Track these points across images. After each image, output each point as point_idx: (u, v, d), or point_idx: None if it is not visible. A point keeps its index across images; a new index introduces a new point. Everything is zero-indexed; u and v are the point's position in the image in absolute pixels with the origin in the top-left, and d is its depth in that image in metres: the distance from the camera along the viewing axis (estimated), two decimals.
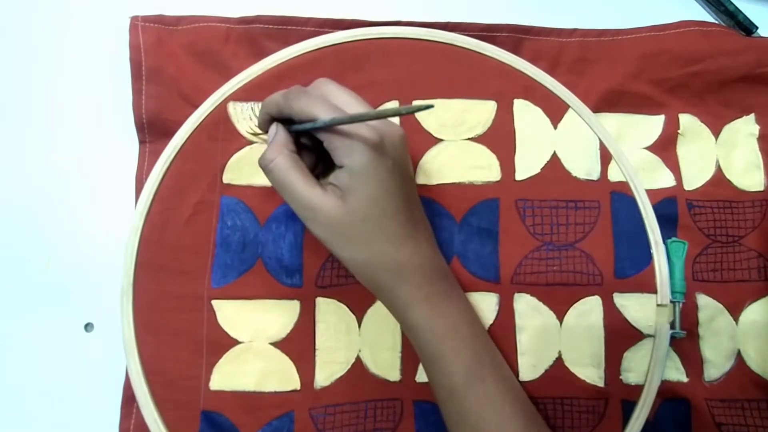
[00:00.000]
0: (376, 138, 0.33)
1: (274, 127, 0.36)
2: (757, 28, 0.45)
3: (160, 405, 0.39)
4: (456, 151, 0.42)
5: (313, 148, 0.36)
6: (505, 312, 0.41)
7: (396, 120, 0.42)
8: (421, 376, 0.40)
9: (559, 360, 0.40)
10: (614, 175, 0.42)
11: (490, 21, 0.43)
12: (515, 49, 0.44)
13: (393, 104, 0.42)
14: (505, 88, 0.43)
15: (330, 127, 0.33)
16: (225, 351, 0.40)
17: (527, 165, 0.42)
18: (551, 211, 0.42)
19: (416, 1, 0.45)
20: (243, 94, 0.42)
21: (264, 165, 0.34)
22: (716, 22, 0.46)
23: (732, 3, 0.45)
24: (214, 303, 0.40)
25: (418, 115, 0.42)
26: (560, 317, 0.41)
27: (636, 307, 0.41)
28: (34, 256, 0.42)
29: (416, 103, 0.42)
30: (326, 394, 0.40)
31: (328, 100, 0.34)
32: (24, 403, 0.41)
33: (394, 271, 0.35)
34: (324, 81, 0.36)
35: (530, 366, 0.40)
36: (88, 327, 0.42)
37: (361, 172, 0.33)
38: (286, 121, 0.36)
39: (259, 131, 0.40)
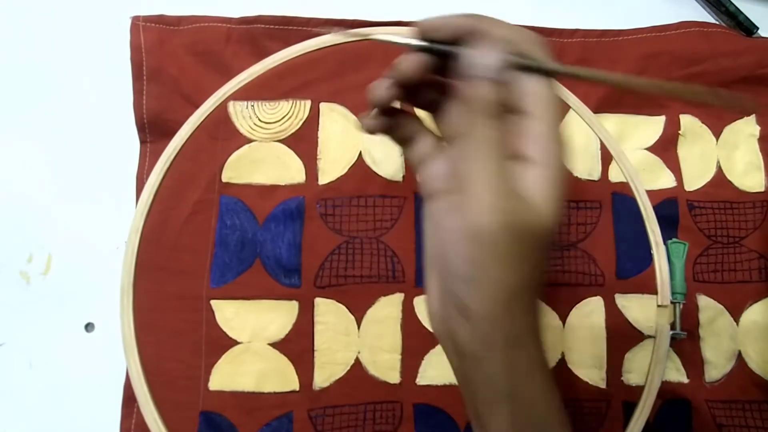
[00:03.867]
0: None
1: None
2: (757, 28, 0.45)
3: (160, 405, 0.39)
4: None
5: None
6: None
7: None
8: (422, 379, 0.40)
9: (562, 361, 0.40)
10: (615, 175, 0.42)
11: None
12: None
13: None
14: None
15: (566, 75, 0.24)
16: (224, 351, 0.40)
17: None
18: None
19: (417, 1, 0.45)
20: (244, 94, 0.42)
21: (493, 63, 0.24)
22: (717, 22, 0.46)
23: (732, 3, 0.45)
24: (213, 303, 0.40)
25: (420, 114, 0.42)
26: (563, 318, 0.41)
27: (637, 308, 0.41)
28: (35, 255, 0.42)
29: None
30: (325, 396, 0.40)
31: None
32: (25, 403, 0.41)
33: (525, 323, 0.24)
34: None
35: None
36: (88, 327, 0.42)
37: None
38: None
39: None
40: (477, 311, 0.22)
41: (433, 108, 0.27)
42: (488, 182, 0.22)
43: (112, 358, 0.40)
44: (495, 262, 0.22)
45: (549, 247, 0.24)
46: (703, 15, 0.46)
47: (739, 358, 0.41)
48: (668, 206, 0.42)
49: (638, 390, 0.40)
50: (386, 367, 0.40)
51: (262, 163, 0.41)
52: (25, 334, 0.41)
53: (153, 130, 0.42)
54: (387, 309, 0.40)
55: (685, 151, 0.43)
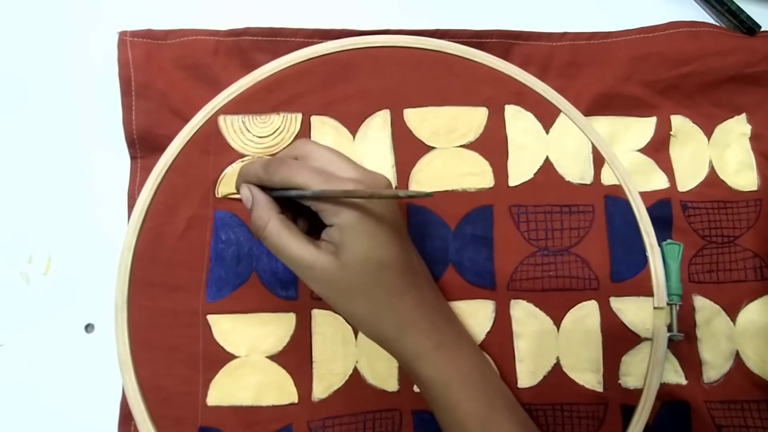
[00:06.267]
0: None
1: (247, 189, 0.35)
2: (760, 27, 0.44)
3: (158, 422, 0.39)
4: (448, 158, 0.42)
5: (292, 205, 0.35)
6: (502, 319, 0.40)
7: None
8: None
9: (557, 366, 0.40)
10: (607, 178, 0.42)
11: (479, 27, 0.43)
12: (505, 55, 0.43)
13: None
14: (495, 94, 0.43)
15: (315, 198, 0.33)
16: (221, 366, 0.40)
17: (520, 171, 0.42)
18: (545, 217, 0.41)
19: (405, 9, 0.45)
20: (233, 107, 0.42)
21: (257, 231, 0.34)
22: (716, 22, 0.46)
23: (734, 2, 0.44)
24: (210, 318, 0.40)
25: (410, 124, 0.42)
26: (557, 323, 0.41)
27: (633, 311, 0.40)
28: (35, 255, 0.42)
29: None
30: (324, 407, 0.40)
31: (309, 165, 0.34)
32: (24, 403, 0.41)
33: (399, 322, 0.34)
34: (302, 142, 0.36)
35: (528, 372, 0.40)
36: (88, 328, 0.42)
37: (349, 228, 0.32)
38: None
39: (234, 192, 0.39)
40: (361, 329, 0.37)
41: None
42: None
43: (112, 359, 0.40)
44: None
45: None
46: (702, 15, 0.46)
47: (737, 358, 0.41)
48: (662, 207, 0.42)
49: (636, 393, 0.40)
50: (384, 376, 0.40)
51: None
52: (25, 334, 0.41)
53: (143, 145, 0.42)
54: None
55: (677, 152, 0.43)
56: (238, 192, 0.36)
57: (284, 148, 0.41)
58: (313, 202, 0.33)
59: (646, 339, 0.40)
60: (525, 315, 0.41)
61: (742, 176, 0.43)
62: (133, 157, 0.42)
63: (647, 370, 0.40)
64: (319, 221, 0.34)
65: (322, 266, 0.33)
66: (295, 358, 0.40)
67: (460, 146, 0.42)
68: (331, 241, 0.33)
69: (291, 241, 0.33)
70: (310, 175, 0.33)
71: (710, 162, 0.43)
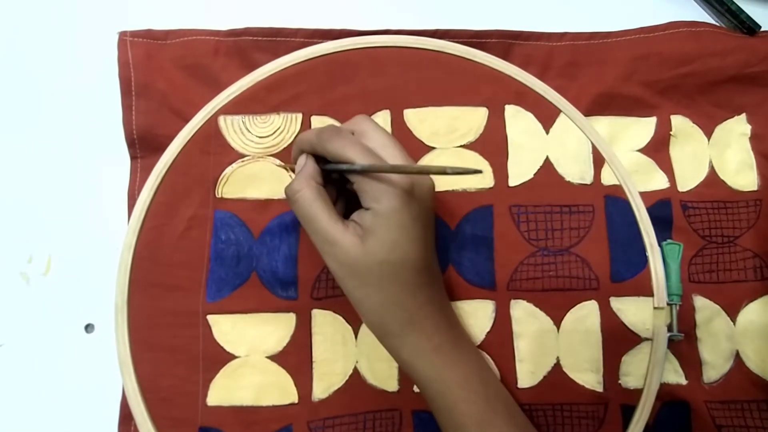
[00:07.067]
0: (406, 185, 0.32)
1: (304, 158, 0.35)
2: (760, 27, 0.45)
3: (158, 422, 0.39)
4: (449, 158, 0.42)
5: (337, 185, 0.36)
6: (502, 319, 0.41)
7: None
8: None
9: (557, 366, 0.40)
10: (607, 178, 0.42)
11: (479, 27, 0.43)
12: (505, 55, 0.44)
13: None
14: (495, 94, 0.43)
15: (363, 173, 0.33)
16: (222, 366, 0.40)
17: (520, 171, 0.42)
18: (545, 217, 0.41)
19: (405, 9, 0.45)
20: (233, 107, 0.42)
21: (290, 195, 0.34)
22: (715, 22, 0.46)
23: (734, 2, 0.44)
24: (210, 318, 0.40)
25: (410, 124, 0.42)
26: (557, 323, 0.41)
27: (633, 311, 0.40)
28: (35, 255, 0.42)
29: (407, 113, 0.42)
30: (325, 407, 0.40)
31: (362, 143, 0.34)
32: (24, 403, 0.41)
33: (405, 318, 0.34)
34: (361, 119, 0.36)
35: (528, 372, 0.40)
36: (88, 328, 0.42)
37: (385, 216, 0.32)
38: (320, 158, 0.35)
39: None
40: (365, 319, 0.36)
41: None
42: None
43: (112, 359, 0.40)
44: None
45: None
46: (702, 15, 0.46)
47: (737, 358, 0.41)
48: (662, 207, 0.42)
49: (636, 393, 0.40)
50: (384, 376, 0.40)
51: (256, 178, 0.41)
52: (25, 334, 0.41)
53: (143, 145, 0.42)
54: None
55: (677, 152, 0.43)
56: (295, 163, 0.36)
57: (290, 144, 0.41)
58: (358, 182, 0.33)
59: (646, 339, 0.40)
60: (525, 315, 0.41)
61: (742, 176, 0.43)
62: (133, 157, 0.42)
63: (647, 370, 0.40)
64: (352, 209, 0.34)
65: (345, 246, 0.33)
66: (295, 358, 0.40)
67: (460, 146, 0.42)
68: (361, 224, 0.33)
69: (322, 213, 0.33)
70: (362, 153, 0.33)
71: (710, 162, 0.43)
